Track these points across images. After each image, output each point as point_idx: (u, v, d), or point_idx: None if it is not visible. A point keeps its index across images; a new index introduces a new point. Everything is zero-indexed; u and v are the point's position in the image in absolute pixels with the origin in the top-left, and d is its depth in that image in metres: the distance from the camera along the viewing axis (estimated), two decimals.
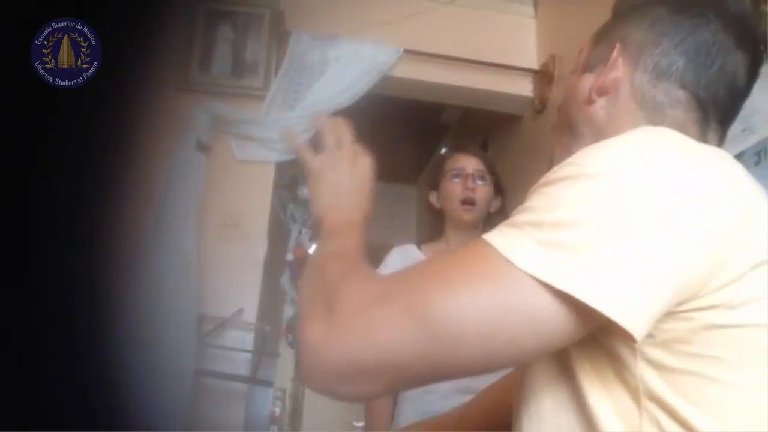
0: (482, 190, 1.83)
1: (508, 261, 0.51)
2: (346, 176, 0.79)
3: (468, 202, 1.81)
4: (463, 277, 0.52)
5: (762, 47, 0.70)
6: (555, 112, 0.79)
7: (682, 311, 0.51)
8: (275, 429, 2.52)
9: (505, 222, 0.56)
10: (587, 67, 0.72)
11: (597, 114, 0.69)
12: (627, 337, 0.49)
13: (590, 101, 0.69)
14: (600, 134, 0.67)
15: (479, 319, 0.50)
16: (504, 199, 1.92)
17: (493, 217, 1.88)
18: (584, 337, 0.54)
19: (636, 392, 0.53)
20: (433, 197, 1.90)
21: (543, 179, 0.57)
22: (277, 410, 2.55)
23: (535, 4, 2.74)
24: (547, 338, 0.52)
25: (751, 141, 1.43)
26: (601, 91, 0.69)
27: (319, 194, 0.77)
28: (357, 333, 0.53)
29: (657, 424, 0.52)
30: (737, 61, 0.67)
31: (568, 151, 0.70)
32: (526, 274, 0.50)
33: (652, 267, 0.49)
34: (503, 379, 0.98)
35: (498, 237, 0.54)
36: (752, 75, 0.69)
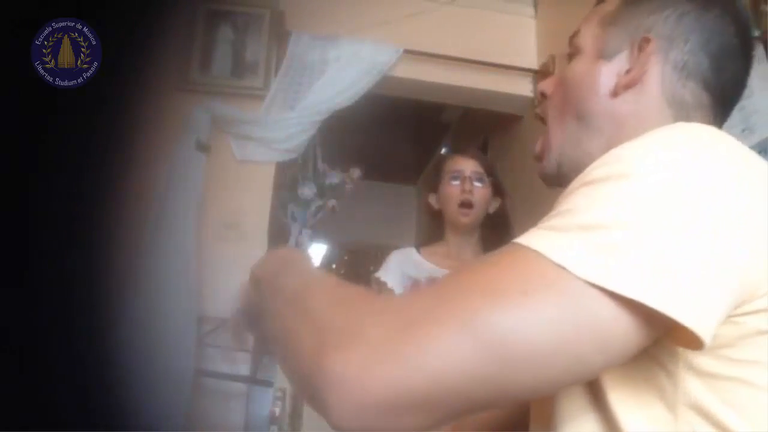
0: (480, 193, 1.83)
1: (562, 268, 0.46)
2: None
3: (465, 205, 1.81)
4: (516, 289, 0.46)
5: (753, 56, 0.69)
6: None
7: (735, 315, 0.48)
8: (275, 429, 2.52)
9: (545, 225, 0.50)
10: (603, 54, 0.68)
11: (620, 108, 0.65)
12: (692, 344, 0.46)
13: (615, 94, 0.66)
14: (621, 129, 0.64)
15: (542, 336, 0.45)
16: (504, 200, 1.91)
17: (493, 218, 1.87)
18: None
19: (673, 401, 0.50)
20: (432, 199, 1.90)
21: (582, 179, 0.53)
22: (277, 410, 2.55)
23: (535, 4, 2.74)
24: (612, 352, 0.47)
25: (751, 141, 1.43)
26: (630, 85, 0.65)
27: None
28: (405, 358, 0.44)
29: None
30: (744, 66, 0.67)
31: (576, 144, 0.68)
32: (586, 282, 0.45)
33: (717, 269, 0.46)
34: None
35: (544, 242, 0.48)
36: (746, 84, 0.69)
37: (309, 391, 0.47)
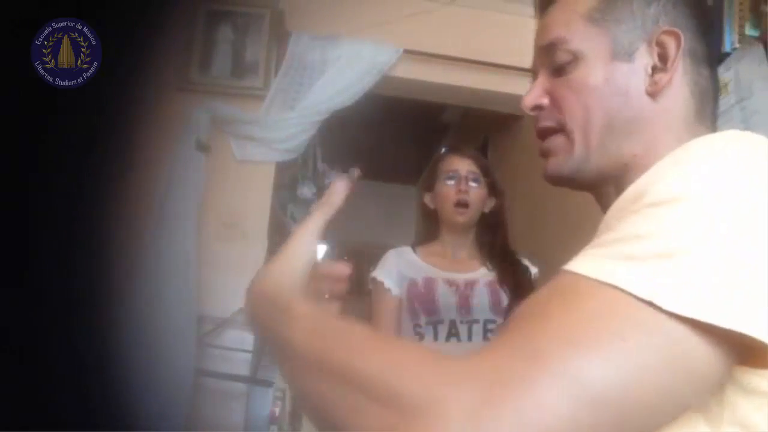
0: (476, 193, 1.83)
1: (649, 304, 0.42)
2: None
3: (461, 205, 1.80)
4: (606, 331, 0.43)
5: None
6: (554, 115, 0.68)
7: None
8: (275, 429, 2.52)
9: (614, 253, 0.46)
10: (614, 55, 0.63)
11: (656, 108, 0.62)
12: (762, 363, 0.44)
13: (654, 95, 0.62)
14: (655, 128, 0.62)
15: (643, 383, 0.42)
16: (501, 201, 1.91)
17: (488, 218, 1.87)
18: None
19: (718, 420, 0.48)
20: (427, 198, 1.90)
21: (641, 198, 0.49)
22: (277, 410, 2.55)
23: (535, 4, 2.73)
24: (708, 385, 0.45)
25: None
26: (668, 83, 0.62)
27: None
28: (506, 425, 0.40)
29: None
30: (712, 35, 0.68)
31: (610, 152, 0.64)
32: (677, 316, 0.42)
33: None
34: None
35: (624, 276, 0.44)
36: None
37: None
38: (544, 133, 0.70)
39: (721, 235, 0.45)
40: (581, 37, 0.65)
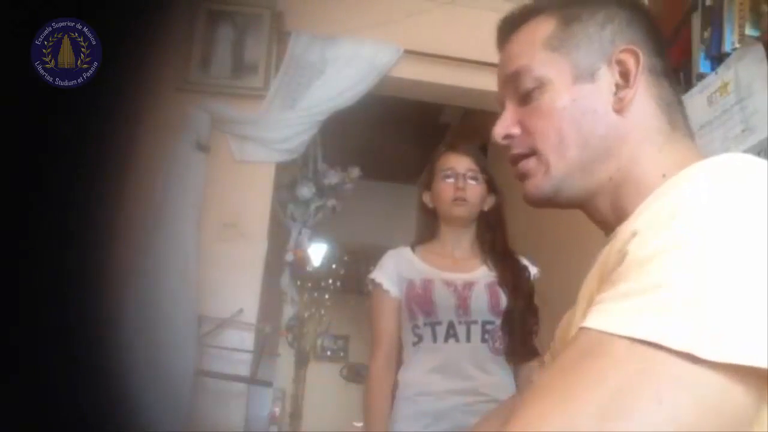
0: (474, 190, 1.82)
1: (686, 355, 0.42)
2: None
3: (459, 200, 1.80)
4: (647, 399, 0.42)
5: None
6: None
7: None
8: (275, 429, 2.52)
9: (638, 305, 0.45)
10: (577, 78, 0.66)
11: (620, 123, 0.65)
12: None
13: (621, 112, 0.64)
14: (624, 143, 0.64)
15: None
16: (500, 199, 1.90)
17: (487, 216, 1.86)
18: None
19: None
20: (426, 197, 1.89)
21: (652, 240, 0.48)
22: (277, 410, 2.55)
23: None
24: (747, 423, 0.45)
25: (751, 141, 1.43)
26: (632, 99, 0.64)
27: None
28: None
29: None
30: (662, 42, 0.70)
31: (586, 171, 0.65)
32: (718, 364, 0.42)
33: None
34: (499, 410, 0.92)
35: (651, 328, 0.43)
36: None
37: None
38: (517, 160, 0.71)
39: (741, 274, 0.44)
40: (543, 64, 0.68)
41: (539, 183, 0.68)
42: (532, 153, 0.69)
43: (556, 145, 0.67)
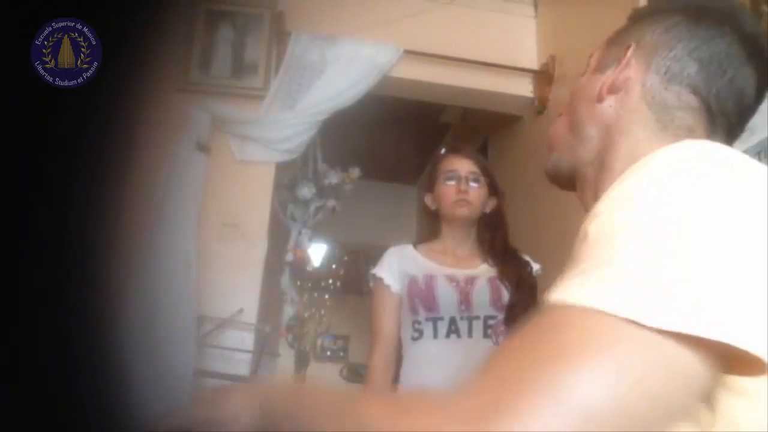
0: (476, 192, 1.83)
1: (631, 323, 0.44)
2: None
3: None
4: (593, 350, 0.44)
5: None
6: (555, 112, 0.78)
7: None
8: None
9: (586, 280, 0.48)
10: (598, 69, 0.72)
11: (605, 113, 0.69)
12: (751, 370, 0.46)
13: (600, 99, 0.69)
14: (606, 133, 0.68)
15: (635, 394, 0.44)
16: (501, 201, 1.91)
17: (489, 218, 1.88)
18: None
19: (710, 424, 0.49)
20: (428, 199, 1.91)
21: (613, 217, 0.51)
22: None
23: (535, 4, 2.74)
24: (697, 392, 0.46)
25: (751, 141, 1.43)
26: (612, 90, 0.69)
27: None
28: None
29: None
30: (747, 76, 0.67)
31: (570, 150, 0.73)
32: (661, 330, 0.44)
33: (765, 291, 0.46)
34: None
35: (600, 297, 0.46)
36: (760, 94, 0.69)
37: None
38: None
39: (690, 249, 0.46)
40: (597, 52, 0.75)
41: (546, 165, 0.77)
42: None
43: (561, 118, 0.76)
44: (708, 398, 0.48)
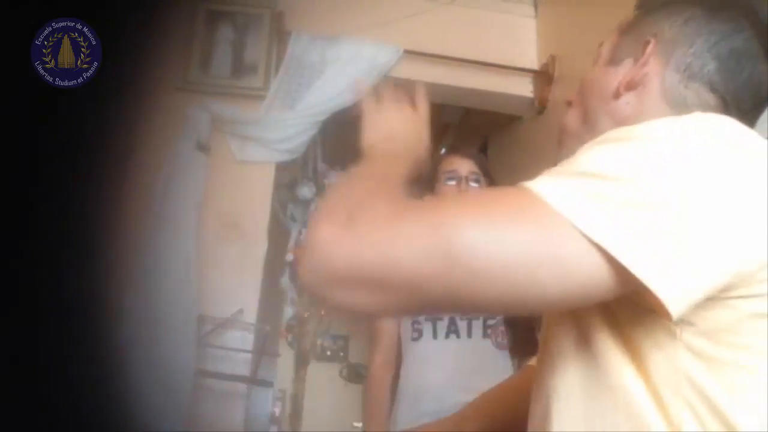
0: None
1: (548, 204, 0.49)
2: (402, 122, 0.80)
3: None
4: (498, 211, 0.50)
5: None
6: (555, 112, 0.78)
7: (727, 298, 0.49)
8: (275, 429, 2.52)
9: (548, 171, 0.54)
10: (612, 60, 0.71)
11: (622, 109, 0.68)
12: (662, 313, 0.47)
13: (617, 95, 0.68)
14: (621, 125, 0.66)
15: (507, 255, 0.48)
16: None
17: None
18: (620, 317, 0.53)
19: (674, 378, 0.51)
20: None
21: (597, 139, 0.56)
22: (277, 410, 2.55)
23: (535, 4, 2.73)
24: (572, 290, 0.49)
25: None
26: (630, 86, 0.67)
27: (372, 128, 0.82)
28: (374, 240, 0.50)
29: (693, 410, 0.50)
30: (764, 71, 0.67)
31: (580, 143, 0.71)
32: (566, 220, 0.48)
33: (706, 243, 0.47)
34: (501, 386, 0.97)
35: (541, 183, 0.51)
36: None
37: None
38: None
39: (641, 172, 0.49)
40: (608, 43, 0.75)
41: (559, 152, 0.76)
42: None
43: (572, 113, 0.75)
44: (668, 355, 0.51)
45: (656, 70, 0.66)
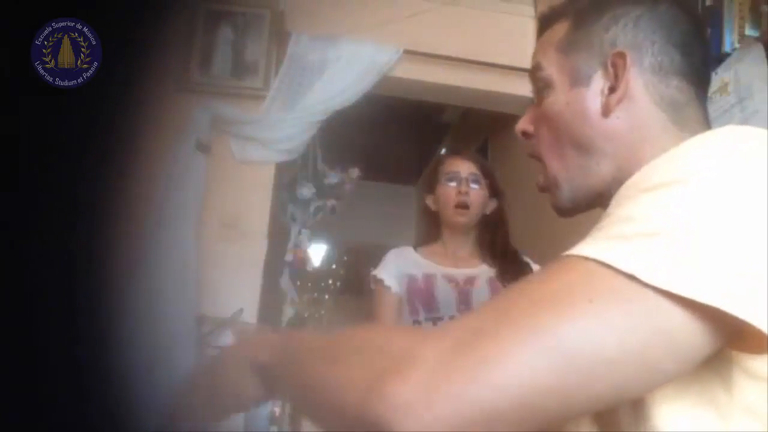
0: (476, 195, 1.84)
1: (630, 277, 0.44)
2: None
3: (461, 206, 1.82)
4: (583, 299, 0.45)
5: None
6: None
7: None
8: (275, 429, 2.52)
9: (605, 234, 0.49)
10: (577, 81, 0.68)
11: (615, 125, 0.65)
12: (758, 348, 0.45)
13: (607, 113, 0.65)
14: (623, 144, 0.65)
15: (613, 345, 0.44)
16: (502, 201, 1.92)
17: (489, 219, 1.88)
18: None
19: (728, 408, 0.49)
20: (429, 200, 1.91)
21: (638, 185, 0.52)
22: (277, 410, 2.55)
23: (535, 4, 2.74)
24: (684, 358, 0.46)
25: None
26: (619, 100, 0.65)
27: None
28: (471, 374, 0.43)
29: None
30: (705, 45, 0.69)
31: (584, 172, 0.67)
32: (656, 289, 0.44)
33: None
34: None
35: (609, 252, 0.46)
36: (708, 47, 0.72)
37: (366, 428, 0.44)
38: (535, 158, 0.75)
39: (705, 217, 0.46)
40: (551, 65, 0.71)
41: (556, 200, 0.71)
42: (538, 156, 0.73)
43: (552, 148, 0.70)
44: (725, 380, 0.48)
45: (635, 78, 0.65)
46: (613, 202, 0.54)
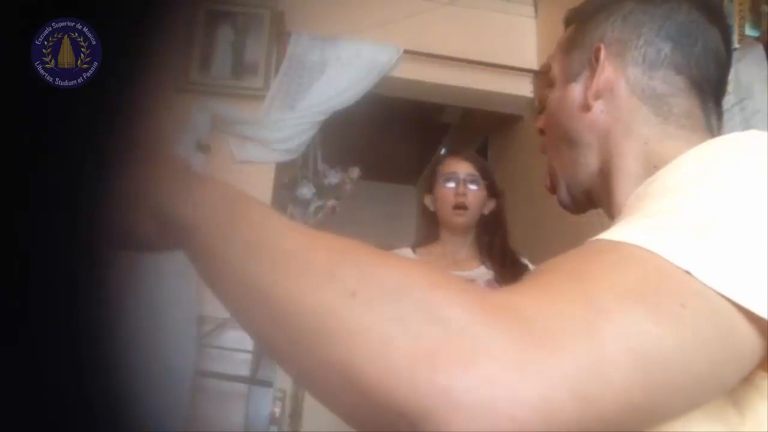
0: (474, 195, 1.84)
1: (688, 274, 0.41)
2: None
3: (459, 207, 1.82)
4: (666, 295, 0.40)
5: (726, 21, 0.70)
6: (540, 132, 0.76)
7: None
8: (275, 429, 2.52)
9: (654, 224, 0.45)
10: (569, 78, 0.70)
11: (598, 119, 0.67)
12: None
13: (587, 108, 0.67)
14: (608, 138, 0.66)
15: (696, 351, 0.40)
16: (500, 202, 1.92)
17: (487, 219, 1.88)
18: None
19: (737, 426, 0.46)
20: (428, 200, 1.92)
21: (685, 179, 0.50)
22: (277, 410, 2.55)
23: (535, 4, 2.74)
24: (743, 367, 0.44)
25: None
26: (597, 95, 0.66)
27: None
28: (553, 374, 0.35)
29: None
30: (715, 36, 0.67)
31: (575, 165, 0.69)
32: (719, 294, 0.41)
33: None
34: None
35: (665, 243, 0.43)
36: (729, 47, 0.70)
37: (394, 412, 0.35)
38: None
39: (756, 215, 0.44)
40: (556, 65, 0.73)
41: (557, 196, 0.73)
42: (544, 152, 0.75)
43: (551, 144, 0.73)
44: (737, 400, 0.46)
45: (617, 72, 0.66)
46: (635, 201, 0.52)
